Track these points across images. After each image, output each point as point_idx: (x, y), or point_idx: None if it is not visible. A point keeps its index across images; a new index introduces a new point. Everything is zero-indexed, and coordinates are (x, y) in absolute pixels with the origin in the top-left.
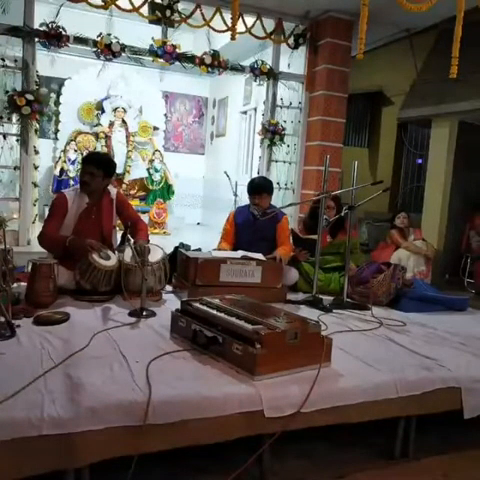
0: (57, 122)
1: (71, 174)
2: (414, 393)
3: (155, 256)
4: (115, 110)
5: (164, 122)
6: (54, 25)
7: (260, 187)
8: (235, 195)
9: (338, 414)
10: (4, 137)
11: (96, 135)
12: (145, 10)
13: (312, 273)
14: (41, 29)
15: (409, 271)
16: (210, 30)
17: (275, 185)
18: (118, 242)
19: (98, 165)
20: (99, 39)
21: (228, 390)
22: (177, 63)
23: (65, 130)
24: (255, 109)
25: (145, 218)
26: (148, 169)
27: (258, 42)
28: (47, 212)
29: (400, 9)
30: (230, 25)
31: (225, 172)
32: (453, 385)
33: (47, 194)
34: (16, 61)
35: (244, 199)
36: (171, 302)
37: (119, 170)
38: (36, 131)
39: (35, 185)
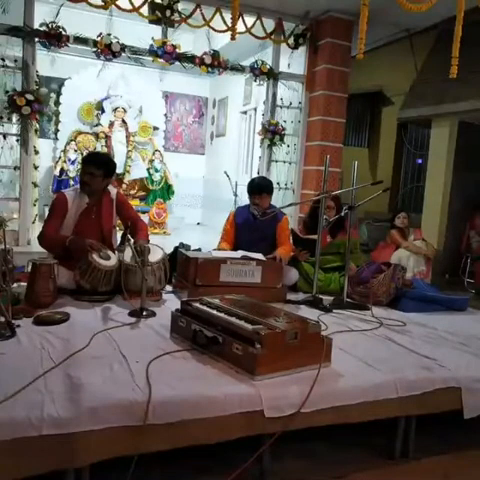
0: (57, 122)
1: (71, 174)
2: (414, 393)
3: (155, 256)
4: (115, 110)
5: (164, 122)
6: (54, 25)
7: (260, 187)
8: (235, 195)
9: (338, 414)
10: (4, 137)
11: (96, 135)
12: (145, 10)
13: (312, 273)
14: (41, 29)
15: (409, 271)
16: (210, 30)
17: (275, 185)
18: (118, 242)
19: (98, 165)
20: (99, 39)
21: (228, 390)
22: (177, 63)
23: (65, 130)
24: (255, 109)
25: (145, 218)
26: (148, 169)
27: (258, 42)
28: (47, 212)
29: (400, 9)
30: (230, 25)
31: (225, 172)
32: (453, 385)
33: (47, 194)
34: (16, 61)
35: (244, 199)
36: (171, 302)
37: (119, 170)
38: (36, 131)
39: (35, 185)
